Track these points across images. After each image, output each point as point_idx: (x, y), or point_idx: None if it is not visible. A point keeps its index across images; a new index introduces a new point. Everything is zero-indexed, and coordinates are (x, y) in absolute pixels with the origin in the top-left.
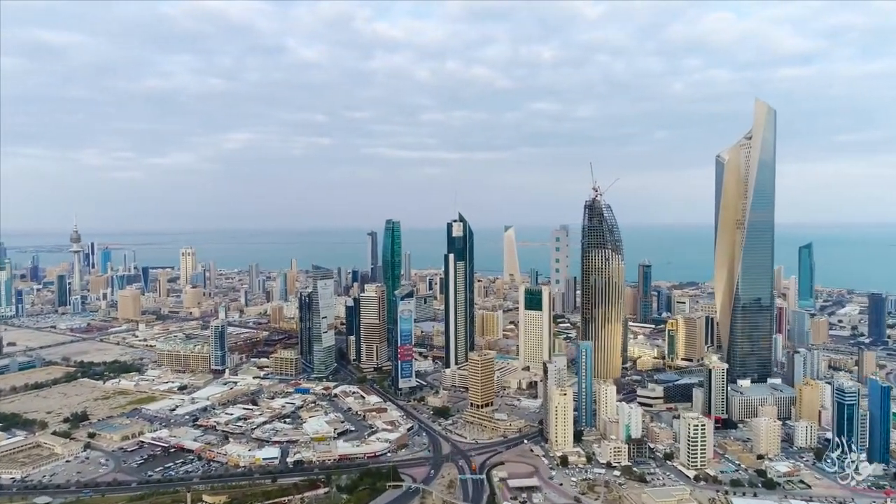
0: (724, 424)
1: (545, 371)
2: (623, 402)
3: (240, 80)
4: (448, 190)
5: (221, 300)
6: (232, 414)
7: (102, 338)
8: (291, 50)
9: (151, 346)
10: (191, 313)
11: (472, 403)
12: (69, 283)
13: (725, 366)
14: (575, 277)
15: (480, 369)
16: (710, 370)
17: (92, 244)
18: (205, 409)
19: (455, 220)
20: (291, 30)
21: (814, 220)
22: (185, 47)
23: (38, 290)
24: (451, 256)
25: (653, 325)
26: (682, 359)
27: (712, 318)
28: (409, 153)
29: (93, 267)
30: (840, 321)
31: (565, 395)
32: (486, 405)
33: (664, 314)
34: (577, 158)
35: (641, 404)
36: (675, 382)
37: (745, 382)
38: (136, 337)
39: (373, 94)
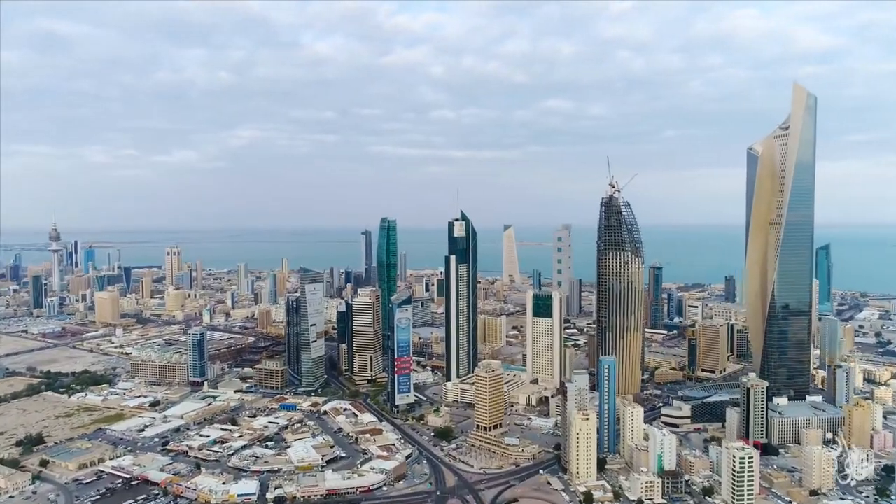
0: (764, 450)
1: (564, 392)
2: (654, 428)
3: (249, 76)
4: (450, 189)
5: (207, 302)
6: (207, 436)
7: (75, 344)
8: (305, 45)
9: (127, 353)
10: (173, 316)
11: (478, 425)
12: (45, 284)
13: (766, 384)
14: (580, 280)
15: (489, 387)
16: (748, 389)
17: (75, 242)
18: (177, 430)
19: (457, 219)
20: (308, 23)
21: (824, 220)
22: (198, 41)
23: (15, 290)
24: (453, 258)
25: (665, 331)
26: (703, 370)
27: (733, 325)
28: (415, 151)
29: (76, 266)
30: (861, 327)
31: (588, 419)
32: (495, 427)
33: (676, 319)
34: (586, 157)
35: (666, 424)
36: (704, 400)
37: (781, 401)
38: (112, 343)
39: (385, 91)
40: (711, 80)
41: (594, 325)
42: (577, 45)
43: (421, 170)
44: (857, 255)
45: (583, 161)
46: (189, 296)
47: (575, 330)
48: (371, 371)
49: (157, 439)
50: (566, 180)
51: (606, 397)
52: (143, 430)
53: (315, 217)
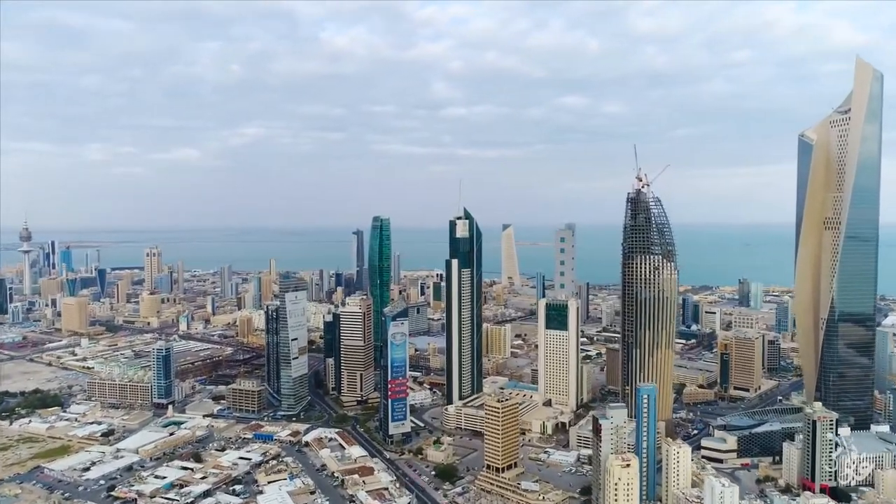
0: (833, 495)
1: (596, 428)
2: (712, 477)
3: (263, 70)
4: (453, 187)
5: (185, 307)
6: (164, 477)
7: (34, 356)
8: (325, 38)
9: (89, 368)
10: (148, 324)
11: (488, 465)
12: (11, 288)
13: (835, 416)
14: (588, 283)
15: (501, 420)
16: (813, 421)
17: (52, 243)
18: (129, 468)
19: (459, 218)
20: (332, 15)
21: None
22: (216, 34)
23: None
24: (455, 262)
25: (683, 341)
26: (735, 387)
27: (764, 336)
28: (420, 149)
29: (53, 268)
30: (895, 335)
31: (629, 465)
32: (509, 467)
33: (693, 326)
34: (594, 156)
35: (708, 459)
36: (753, 430)
37: (843, 431)
38: (75, 356)
39: (400, 87)
40: (734, 76)
41: (603, 333)
42: (605, 40)
43: (425, 168)
44: None
45: (590, 160)
46: (166, 300)
47: (585, 339)
48: (361, 391)
49: (102, 482)
50: (571, 179)
51: (645, 433)
52: (88, 469)
53: (315, 216)
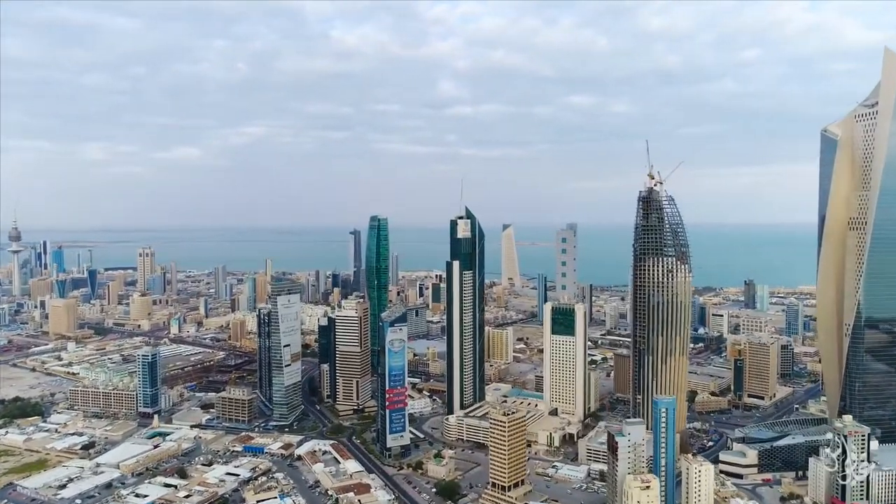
0: None
1: (612, 446)
2: (739, 500)
3: (268, 69)
4: (454, 187)
5: (177, 310)
6: (146, 495)
7: (18, 361)
8: (334, 37)
9: (74, 373)
10: (139, 326)
11: (494, 483)
12: None
13: (867, 430)
14: (591, 284)
15: (508, 434)
16: (844, 436)
17: (44, 242)
18: (109, 486)
19: (460, 217)
20: (341, 13)
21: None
22: (222, 32)
23: None
24: (456, 263)
25: (691, 344)
26: (749, 395)
27: (778, 340)
28: (423, 148)
29: (45, 269)
30: None
31: (649, 487)
32: (516, 485)
33: (700, 330)
34: (598, 155)
35: (726, 474)
36: (774, 444)
37: (872, 444)
38: (60, 360)
39: (406, 85)
40: (743, 75)
41: (608, 336)
42: (614, 38)
43: (427, 168)
44: None
45: (594, 159)
46: (158, 302)
47: (589, 342)
48: (357, 398)
49: (79, 501)
50: (573, 179)
51: (664, 449)
52: (64, 486)
53: (315, 215)
